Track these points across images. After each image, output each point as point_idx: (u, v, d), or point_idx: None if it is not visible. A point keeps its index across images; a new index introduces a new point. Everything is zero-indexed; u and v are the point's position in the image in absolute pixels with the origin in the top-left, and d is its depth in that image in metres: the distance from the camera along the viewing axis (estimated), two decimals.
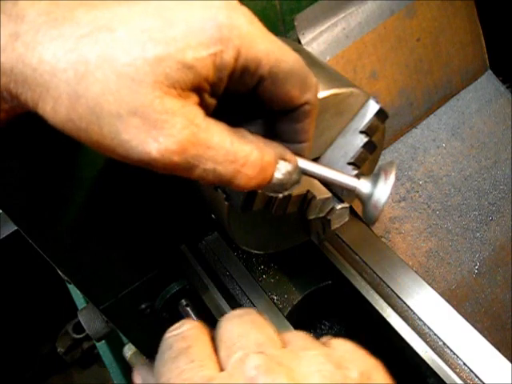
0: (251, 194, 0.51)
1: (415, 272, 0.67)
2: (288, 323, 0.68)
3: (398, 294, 0.66)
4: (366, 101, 0.59)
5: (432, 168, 0.86)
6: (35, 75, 0.37)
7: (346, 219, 0.60)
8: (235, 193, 0.53)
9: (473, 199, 0.86)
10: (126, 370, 1.14)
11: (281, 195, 0.49)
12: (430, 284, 0.65)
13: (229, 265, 0.77)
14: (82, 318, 0.88)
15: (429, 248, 0.83)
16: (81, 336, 1.81)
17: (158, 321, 0.88)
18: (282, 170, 0.45)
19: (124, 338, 1.07)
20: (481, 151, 0.89)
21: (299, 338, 0.41)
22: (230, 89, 0.42)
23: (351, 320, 0.86)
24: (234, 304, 0.73)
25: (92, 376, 1.96)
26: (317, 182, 0.58)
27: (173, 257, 0.81)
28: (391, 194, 0.48)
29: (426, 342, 0.61)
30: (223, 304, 0.73)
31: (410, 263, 0.81)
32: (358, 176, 0.50)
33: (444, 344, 0.61)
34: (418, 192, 0.85)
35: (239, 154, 0.42)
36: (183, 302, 0.86)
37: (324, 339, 0.42)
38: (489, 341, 0.59)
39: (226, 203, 0.56)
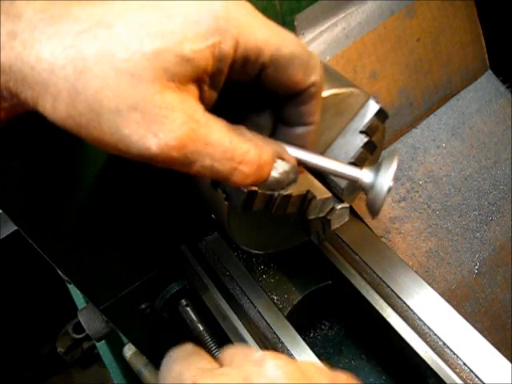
0: (251, 194, 0.51)
1: (415, 272, 0.67)
2: (288, 323, 0.68)
3: (398, 294, 0.66)
4: (366, 101, 0.59)
5: (432, 168, 0.86)
6: (33, 73, 0.37)
7: (346, 219, 0.60)
8: (235, 193, 0.53)
9: (473, 199, 0.86)
10: (126, 370, 1.14)
11: (276, 193, 0.49)
12: (430, 284, 0.65)
13: (229, 265, 0.77)
14: (81, 318, 0.88)
15: (429, 248, 0.83)
16: (81, 336, 1.81)
17: (158, 321, 0.88)
18: (279, 169, 0.45)
19: (124, 338, 1.08)
20: (481, 151, 0.89)
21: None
22: (232, 79, 0.42)
23: (351, 320, 0.86)
24: (234, 304, 0.73)
25: (92, 376, 1.96)
26: (317, 182, 0.58)
27: (173, 257, 0.81)
28: (393, 184, 0.48)
29: (426, 342, 0.61)
30: (223, 304, 0.73)
31: (410, 263, 0.81)
32: (360, 167, 0.50)
33: (444, 344, 0.61)
34: (417, 192, 0.85)
35: (237, 152, 0.42)
36: (183, 301, 0.86)
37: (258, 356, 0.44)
38: (489, 341, 0.59)
39: (226, 203, 0.56)
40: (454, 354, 0.60)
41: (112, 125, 0.37)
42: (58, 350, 1.86)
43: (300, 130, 0.48)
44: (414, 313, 0.64)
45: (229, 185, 0.45)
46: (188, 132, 0.38)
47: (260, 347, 0.66)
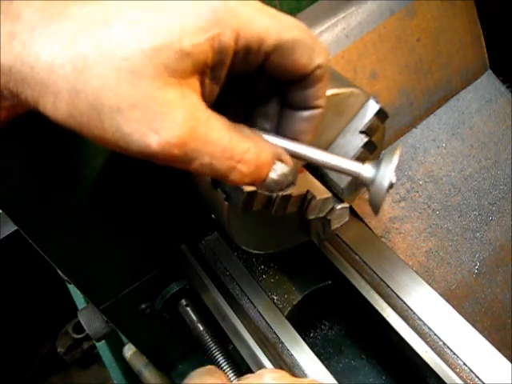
0: (251, 194, 0.51)
1: (415, 272, 0.67)
2: (288, 323, 0.68)
3: (398, 293, 0.66)
4: (366, 101, 0.59)
5: (432, 168, 0.86)
6: (33, 73, 0.37)
7: (346, 219, 0.60)
8: (235, 193, 0.53)
9: (473, 199, 0.86)
10: (126, 369, 1.14)
11: (274, 195, 0.49)
12: (429, 284, 0.65)
13: (229, 265, 0.77)
14: (81, 318, 0.88)
15: (429, 248, 0.83)
16: (81, 336, 1.81)
17: (158, 321, 0.88)
18: (277, 171, 0.45)
19: (124, 338, 1.07)
20: (481, 151, 0.89)
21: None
22: (236, 71, 0.42)
23: (351, 320, 0.86)
24: (234, 304, 0.73)
25: (92, 376, 1.96)
26: (317, 182, 0.58)
27: (173, 257, 0.81)
28: (395, 179, 0.48)
29: (426, 342, 0.61)
30: (223, 304, 0.73)
31: (410, 263, 0.81)
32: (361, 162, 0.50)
33: (444, 344, 0.61)
34: (417, 192, 0.85)
35: (236, 151, 0.42)
36: (183, 301, 0.86)
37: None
38: (489, 341, 0.59)
39: (226, 203, 0.56)
40: (454, 353, 0.60)
41: (113, 123, 0.37)
42: (58, 349, 1.85)
43: (306, 113, 0.47)
44: (414, 313, 0.64)
45: (228, 184, 0.45)
46: (188, 130, 0.38)
47: (260, 347, 0.66)
